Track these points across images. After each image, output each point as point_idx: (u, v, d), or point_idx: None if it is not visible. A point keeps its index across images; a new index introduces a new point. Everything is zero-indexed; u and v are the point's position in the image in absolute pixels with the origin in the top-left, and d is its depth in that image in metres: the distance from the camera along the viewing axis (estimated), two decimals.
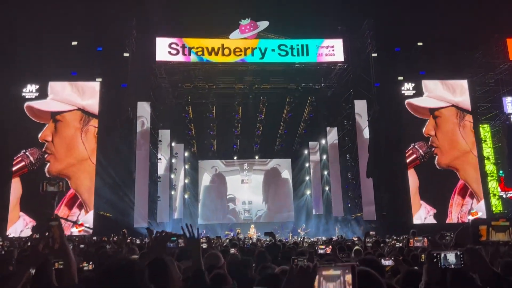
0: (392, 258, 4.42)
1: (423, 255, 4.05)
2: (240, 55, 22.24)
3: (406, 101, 22.54)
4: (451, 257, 2.56)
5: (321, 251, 4.22)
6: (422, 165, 21.94)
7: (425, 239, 3.89)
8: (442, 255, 2.59)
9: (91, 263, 3.99)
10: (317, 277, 1.70)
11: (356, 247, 7.20)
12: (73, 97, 21.10)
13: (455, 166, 22.04)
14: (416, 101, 22.59)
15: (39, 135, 20.32)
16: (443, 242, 3.67)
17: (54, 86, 21.30)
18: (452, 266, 2.54)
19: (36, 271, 2.94)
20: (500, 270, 3.05)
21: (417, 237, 4.16)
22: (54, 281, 3.04)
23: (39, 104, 20.82)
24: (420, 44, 23.02)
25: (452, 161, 22.04)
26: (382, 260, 4.53)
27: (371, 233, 9.88)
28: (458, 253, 2.54)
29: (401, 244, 9.94)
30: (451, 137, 22.47)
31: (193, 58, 22.09)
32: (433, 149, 22.05)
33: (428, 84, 22.99)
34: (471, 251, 2.57)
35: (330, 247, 4.13)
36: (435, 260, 2.62)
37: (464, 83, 23.13)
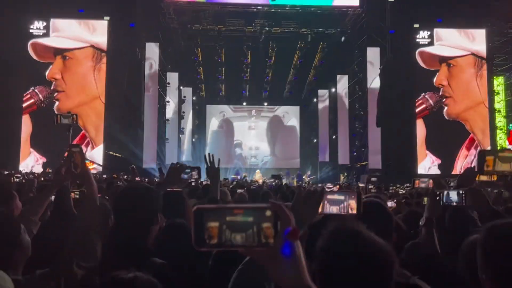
0: (394, 200, 4.54)
1: (425, 198, 4.14)
2: None
3: (418, 50, 21.82)
4: (453, 195, 2.62)
5: (328, 190, 4.32)
6: (430, 116, 21.69)
7: (431, 180, 3.96)
8: (445, 193, 2.66)
9: (106, 197, 4.15)
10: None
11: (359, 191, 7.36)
12: (83, 34, 20.52)
13: (464, 117, 21.71)
14: (427, 49, 21.84)
15: (46, 73, 20.07)
16: (448, 184, 3.74)
17: (60, 24, 20.70)
18: (454, 204, 2.61)
19: (55, 197, 3.08)
20: None
21: (423, 178, 4.23)
22: (72, 208, 3.19)
23: (44, 41, 20.33)
24: None
25: (462, 112, 21.66)
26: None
27: (372, 179, 10.03)
28: (461, 192, 2.60)
29: (404, 191, 10.15)
30: (466, 86, 21.83)
31: None
32: (444, 99, 21.68)
33: (442, 33, 22.04)
34: (473, 191, 2.64)
35: (338, 186, 4.22)
36: (437, 198, 2.70)
37: (482, 32, 22.29)
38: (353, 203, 1.74)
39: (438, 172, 21.10)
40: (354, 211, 1.75)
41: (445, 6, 21.70)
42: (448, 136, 21.34)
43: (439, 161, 21.35)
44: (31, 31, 20.27)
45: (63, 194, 3.06)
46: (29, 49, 20.11)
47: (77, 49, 20.58)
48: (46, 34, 20.42)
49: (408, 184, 13.49)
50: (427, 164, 21.34)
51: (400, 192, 9.93)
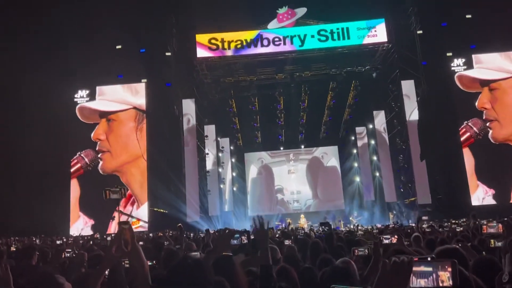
0: (459, 245, 4.19)
1: (492, 240, 3.80)
2: (279, 44, 22.05)
3: (456, 74, 21.22)
4: None
5: (387, 241, 4.05)
6: (476, 143, 20.64)
7: (500, 225, 3.64)
8: None
9: (154, 261, 4.08)
10: None
11: (415, 234, 6.94)
12: (126, 96, 21.78)
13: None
14: (467, 73, 21.20)
15: (92, 135, 21.16)
16: None
17: (104, 88, 22.05)
18: None
19: (109, 272, 3.04)
20: None
21: (491, 222, 3.90)
22: (124, 280, 3.13)
23: (91, 104, 21.69)
24: (468, 16, 21.68)
25: (510, 134, 20.57)
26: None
27: (423, 218, 9.53)
28: None
29: (461, 228, 9.49)
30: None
31: (232, 51, 22.16)
32: (488, 123, 20.68)
33: (482, 57, 21.45)
34: None
35: (396, 236, 3.94)
36: None
37: None
38: (443, 275, 1.54)
39: (493, 202, 19.84)
40: (445, 284, 1.53)
41: (476, 32, 21.35)
42: (498, 162, 20.12)
43: (493, 191, 20.04)
44: (75, 99, 21.61)
45: (115, 267, 3.03)
46: (76, 111, 21.46)
47: (120, 111, 21.73)
48: (91, 99, 21.73)
49: (464, 220, 12.71)
50: (480, 195, 20.09)
51: (458, 230, 9.28)
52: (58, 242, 9.26)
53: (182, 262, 2.26)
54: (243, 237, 3.13)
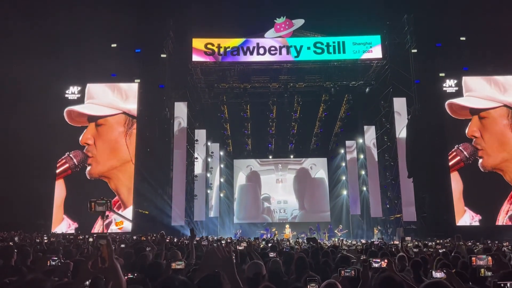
0: (444, 271, 4.16)
1: (483, 270, 3.78)
2: (275, 54, 22.12)
3: (447, 102, 21.39)
4: None
5: (376, 264, 4.00)
6: (466, 168, 20.72)
7: (489, 258, 3.62)
8: None
9: (135, 274, 3.99)
10: None
11: (400, 254, 6.94)
12: (116, 101, 21.36)
13: (501, 168, 20.71)
14: (457, 101, 21.39)
15: (80, 139, 20.77)
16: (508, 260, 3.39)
17: (94, 90, 21.60)
18: None
19: (90, 284, 2.96)
20: None
21: (481, 254, 3.87)
22: None
23: (79, 108, 21.22)
24: (463, 38, 22.02)
25: (499, 163, 20.68)
26: (434, 273, 4.28)
27: (407, 238, 9.64)
28: None
29: (444, 250, 9.52)
30: (501, 138, 21.01)
31: (228, 58, 22.17)
32: (477, 151, 20.87)
33: (471, 83, 21.65)
34: None
35: (386, 261, 3.89)
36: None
37: (510, 79, 21.86)
38: None
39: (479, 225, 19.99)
40: None
41: (470, 54, 21.69)
42: (486, 188, 20.21)
43: (479, 217, 20.16)
44: (66, 95, 21.24)
45: (95, 280, 2.94)
46: (64, 114, 20.99)
47: (109, 116, 21.32)
48: (80, 99, 21.31)
49: (449, 239, 12.78)
50: (468, 220, 20.15)
51: (441, 251, 9.29)
52: (36, 240, 9.02)
53: (168, 283, 2.19)
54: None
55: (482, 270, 3.72)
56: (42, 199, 19.68)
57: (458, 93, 21.57)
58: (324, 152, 29.67)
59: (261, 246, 10.70)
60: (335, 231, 25.02)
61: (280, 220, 28.37)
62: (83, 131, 20.89)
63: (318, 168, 29.79)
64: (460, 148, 20.94)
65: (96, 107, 21.27)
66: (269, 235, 23.23)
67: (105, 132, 21.11)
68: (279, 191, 29.41)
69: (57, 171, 20.44)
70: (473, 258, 3.82)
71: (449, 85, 21.52)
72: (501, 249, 7.54)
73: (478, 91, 21.56)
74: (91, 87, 21.56)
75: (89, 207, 2.97)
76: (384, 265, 3.90)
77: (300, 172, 29.71)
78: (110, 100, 21.40)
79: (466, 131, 21.05)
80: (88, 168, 20.52)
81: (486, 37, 21.41)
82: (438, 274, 4.21)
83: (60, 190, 20.26)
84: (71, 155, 20.61)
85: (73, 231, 19.03)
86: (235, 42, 22.24)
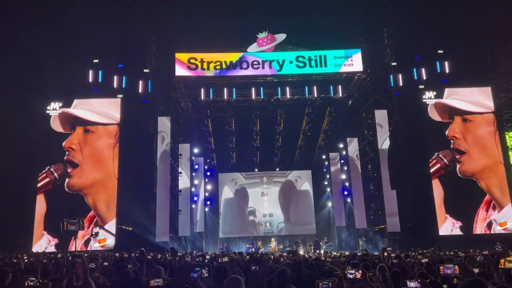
0: (418, 280, 4.23)
1: (455, 279, 3.86)
2: (258, 68, 22.35)
3: (434, 101, 21.72)
4: None
5: (351, 276, 4.05)
6: (446, 175, 21.12)
7: (456, 266, 3.71)
8: None
9: None
10: None
11: (381, 264, 7.00)
12: (110, 110, 20.95)
13: (479, 174, 21.05)
14: (443, 100, 21.71)
15: (64, 143, 20.19)
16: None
17: (86, 100, 21.15)
18: None
19: None
20: None
21: (447, 263, 3.96)
22: None
23: (72, 111, 20.69)
24: (440, 51, 22.63)
25: (478, 169, 21.04)
26: (408, 283, 4.34)
27: (388, 249, 9.81)
28: None
29: (426, 260, 9.63)
30: (484, 144, 21.38)
31: (211, 72, 22.30)
32: (457, 155, 21.23)
33: (459, 89, 22.09)
34: None
35: (360, 271, 3.95)
36: None
37: (488, 90, 22.42)
38: None
39: (461, 233, 20.28)
40: None
41: (448, 66, 22.29)
42: (464, 195, 20.59)
43: (460, 224, 20.48)
44: (47, 111, 20.88)
45: None
46: (51, 120, 20.44)
47: (102, 124, 20.84)
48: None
49: (432, 249, 12.94)
50: (449, 226, 20.45)
51: (423, 261, 9.39)
52: (14, 260, 8.78)
53: None
54: (203, 271, 3.06)
55: (455, 279, 3.80)
56: (23, 216, 19.23)
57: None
58: (308, 165, 29.83)
59: (246, 259, 10.67)
60: (320, 244, 25.02)
61: (266, 234, 28.27)
62: (66, 138, 20.36)
63: (303, 180, 29.88)
64: (440, 155, 21.30)
65: (89, 113, 20.76)
66: (253, 249, 23.11)
67: (94, 140, 20.57)
68: (265, 204, 29.36)
69: (38, 185, 19.94)
70: (441, 267, 3.91)
71: (429, 96, 21.95)
72: (474, 258, 7.67)
73: (467, 96, 21.93)
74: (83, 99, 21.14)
75: (61, 227, 2.96)
76: (359, 276, 3.96)
77: (285, 184, 29.75)
78: (106, 108, 20.97)
79: (447, 132, 21.38)
80: (67, 180, 19.90)
81: (463, 51, 22.09)
82: (412, 284, 4.28)
83: (40, 205, 19.67)
84: (52, 169, 20.15)
85: (53, 247, 18.61)
86: (218, 57, 22.40)
